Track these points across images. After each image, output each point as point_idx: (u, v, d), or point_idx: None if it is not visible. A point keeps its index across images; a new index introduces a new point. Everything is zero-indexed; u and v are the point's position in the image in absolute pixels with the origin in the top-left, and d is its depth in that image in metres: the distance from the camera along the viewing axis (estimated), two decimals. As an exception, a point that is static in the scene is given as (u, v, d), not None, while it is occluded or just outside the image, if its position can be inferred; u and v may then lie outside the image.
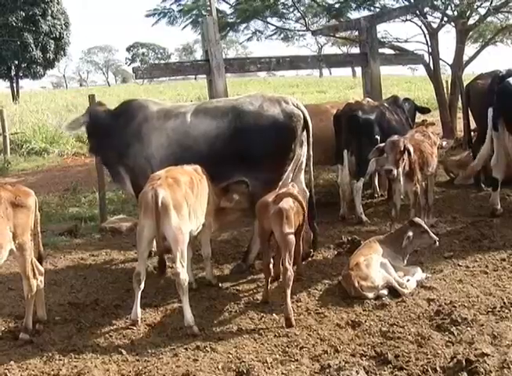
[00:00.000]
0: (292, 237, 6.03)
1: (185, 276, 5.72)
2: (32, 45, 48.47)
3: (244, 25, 17.85)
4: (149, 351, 5.32)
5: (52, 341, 5.63)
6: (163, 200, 5.65)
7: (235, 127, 7.18)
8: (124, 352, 5.34)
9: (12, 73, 51.92)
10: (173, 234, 5.75)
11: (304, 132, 7.42)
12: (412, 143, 8.09)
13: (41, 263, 6.08)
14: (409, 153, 7.84)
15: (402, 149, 7.75)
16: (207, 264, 7.01)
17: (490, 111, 8.74)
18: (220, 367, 4.95)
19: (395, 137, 8.00)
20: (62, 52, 54.11)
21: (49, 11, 49.69)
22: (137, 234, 6.00)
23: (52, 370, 5.09)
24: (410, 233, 6.60)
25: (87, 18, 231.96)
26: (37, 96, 44.26)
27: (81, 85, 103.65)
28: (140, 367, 5.02)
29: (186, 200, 5.97)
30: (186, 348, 5.31)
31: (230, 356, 5.15)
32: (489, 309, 5.71)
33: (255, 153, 7.06)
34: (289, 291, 5.82)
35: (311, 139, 7.48)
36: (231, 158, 7.07)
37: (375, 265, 6.31)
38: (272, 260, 6.51)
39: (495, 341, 5.07)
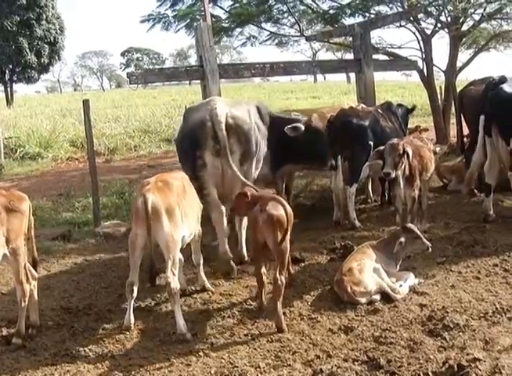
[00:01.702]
0: (286, 245, 5.87)
1: (176, 284, 5.66)
2: (27, 50, 48.46)
3: (239, 30, 17.94)
4: (142, 356, 5.32)
5: (44, 345, 5.62)
6: (153, 205, 5.58)
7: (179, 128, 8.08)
8: (116, 356, 5.35)
9: (7, 77, 51.91)
10: (165, 240, 5.68)
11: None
12: (412, 148, 8.11)
13: (35, 268, 6.09)
14: (408, 157, 7.85)
15: (402, 152, 7.77)
16: (200, 270, 6.98)
17: (482, 118, 8.74)
18: (212, 372, 4.95)
19: (395, 140, 8.02)
20: (56, 57, 54.13)
21: (44, 15, 49.73)
22: (129, 242, 5.93)
23: (45, 374, 5.09)
24: (403, 239, 6.61)
25: (82, 23, 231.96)
26: (32, 101, 44.37)
27: (75, 90, 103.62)
28: (133, 372, 5.02)
29: (178, 205, 5.91)
30: (179, 353, 5.31)
31: (223, 360, 5.15)
32: (481, 315, 5.72)
33: (179, 155, 8.12)
34: (280, 301, 5.76)
35: (224, 152, 7.39)
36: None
37: (368, 271, 6.32)
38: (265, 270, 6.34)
39: (487, 346, 5.09)
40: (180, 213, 5.90)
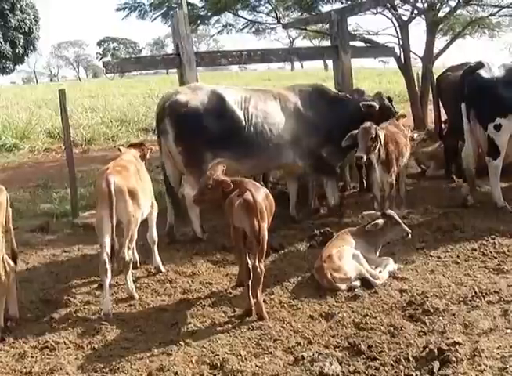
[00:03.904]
0: (265, 232, 5.69)
1: (129, 257, 6.21)
2: (1, 40, 48.02)
3: (215, 18, 17.87)
4: (123, 346, 5.30)
5: (24, 338, 5.57)
6: (116, 186, 5.86)
7: None
8: (97, 348, 5.32)
9: (-19, 68, 51.37)
10: (127, 218, 6.06)
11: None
12: (388, 134, 8.13)
13: (15, 260, 6.03)
14: (380, 141, 7.86)
15: (374, 136, 7.78)
16: (154, 250, 7.12)
17: (463, 106, 8.73)
18: (194, 361, 4.94)
19: (367, 124, 8.02)
20: (31, 47, 53.64)
21: (18, 5, 49.23)
22: (96, 225, 6.09)
23: (25, 367, 5.05)
24: (380, 221, 6.59)
25: (57, 13, 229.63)
26: (7, 92, 43.77)
27: (51, 81, 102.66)
28: (114, 363, 4.99)
29: (137, 186, 6.23)
30: (160, 343, 5.30)
31: (204, 349, 5.14)
32: (461, 299, 5.77)
33: None
34: (260, 290, 5.72)
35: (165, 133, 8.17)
36: None
37: (347, 257, 6.33)
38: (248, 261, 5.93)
39: (466, 330, 5.13)
40: (140, 193, 6.26)
